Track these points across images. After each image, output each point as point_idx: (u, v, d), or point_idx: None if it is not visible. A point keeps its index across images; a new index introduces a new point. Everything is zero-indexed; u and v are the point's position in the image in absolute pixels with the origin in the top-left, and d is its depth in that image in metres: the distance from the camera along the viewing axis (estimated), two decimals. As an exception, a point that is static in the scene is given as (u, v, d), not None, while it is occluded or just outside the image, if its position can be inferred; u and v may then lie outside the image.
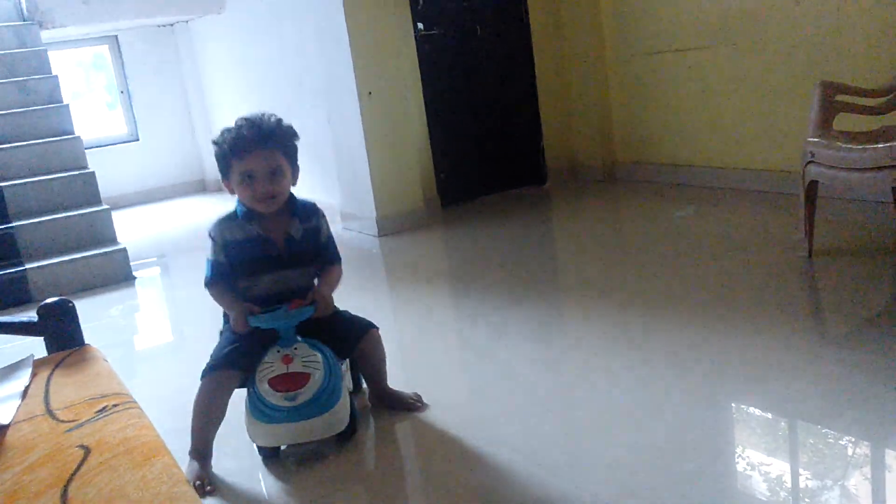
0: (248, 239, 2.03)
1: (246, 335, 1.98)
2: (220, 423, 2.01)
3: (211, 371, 1.98)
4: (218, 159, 2.03)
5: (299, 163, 2.09)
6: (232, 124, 2.01)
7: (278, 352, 1.95)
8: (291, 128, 2.05)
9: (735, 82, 4.31)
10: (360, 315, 2.18)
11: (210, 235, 2.06)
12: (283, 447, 2.02)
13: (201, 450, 1.99)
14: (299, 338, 1.99)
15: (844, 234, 3.39)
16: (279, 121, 2.02)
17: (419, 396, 2.23)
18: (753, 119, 4.26)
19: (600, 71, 5.11)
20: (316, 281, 2.14)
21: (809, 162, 2.95)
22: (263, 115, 2.01)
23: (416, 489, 1.90)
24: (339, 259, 2.18)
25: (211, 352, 2.04)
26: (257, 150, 1.95)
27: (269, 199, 1.98)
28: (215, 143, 2.02)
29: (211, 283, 2.05)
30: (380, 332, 2.16)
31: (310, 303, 2.00)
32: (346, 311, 2.16)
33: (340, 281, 2.16)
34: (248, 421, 1.96)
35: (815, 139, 2.92)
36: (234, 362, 1.97)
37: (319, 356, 1.97)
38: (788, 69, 4.00)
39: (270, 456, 2.00)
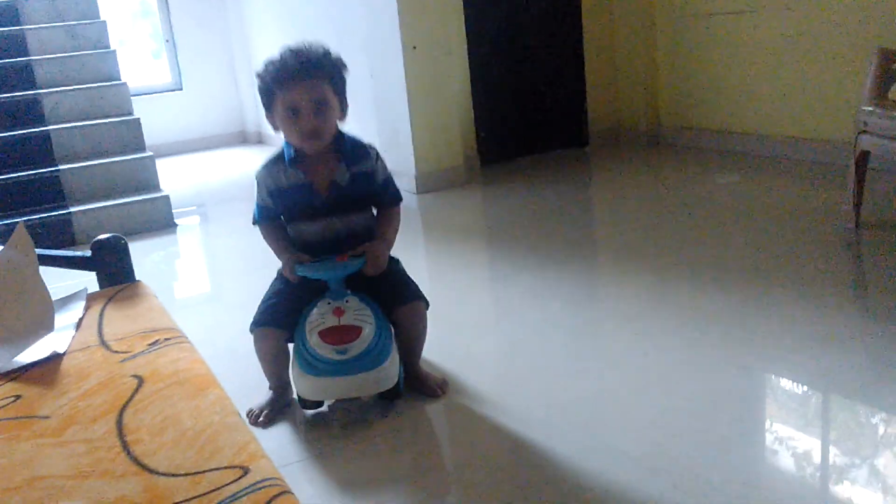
0: (292, 186, 1.94)
1: (293, 286, 1.93)
2: (287, 360, 1.99)
3: (256, 326, 1.96)
4: (261, 92, 1.91)
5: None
6: (276, 55, 1.88)
7: (329, 304, 1.88)
8: (340, 58, 1.91)
9: (788, 47, 4.21)
10: (414, 281, 2.06)
11: (256, 178, 1.99)
12: (326, 403, 1.98)
13: (275, 382, 2.03)
14: (349, 291, 1.93)
15: (894, 207, 3.32)
16: (326, 50, 1.89)
17: (445, 383, 2.08)
18: (805, 86, 4.17)
19: (649, 32, 5.02)
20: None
21: (862, 132, 2.89)
22: (310, 43, 1.88)
23: (450, 450, 1.92)
24: (399, 200, 2.05)
25: (262, 294, 2.02)
26: (302, 80, 1.82)
27: (315, 135, 1.86)
28: (258, 75, 1.90)
29: (259, 224, 2.01)
30: (427, 308, 2.03)
31: (360, 254, 1.91)
32: (400, 271, 2.06)
33: (398, 229, 2.05)
34: (296, 373, 1.90)
35: (870, 108, 2.85)
36: (276, 321, 1.94)
37: (370, 310, 1.90)
38: (844, 34, 3.89)
39: (312, 408, 1.96)
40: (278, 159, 1.97)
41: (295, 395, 1.98)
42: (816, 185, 3.79)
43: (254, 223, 2.03)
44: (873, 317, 2.38)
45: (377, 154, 2.00)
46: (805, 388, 1.98)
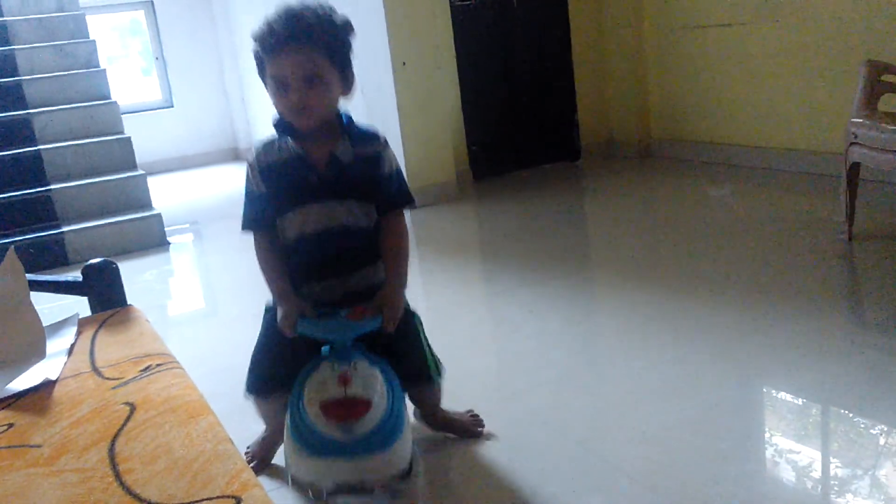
0: (286, 160, 1.65)
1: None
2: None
3: (256, 394, 1.78)
4: (254, 57, 1.63)
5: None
6: (272, 12, 1.59)
7: (333, 369, 1.53)
8: (345, 22, 1.61)
9: (778, 59, 4.23)
10: (427, 349, 1.84)
11: (248, 162, 1.71)
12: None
13: (273, 425, 1.85)
14: (355, 351, 1.59)
15: (886, 217, 3.34)
16: (326, 12, 1.58)
17: (476, 417, 1.96)
18: (795, 98, 4.19)
19: (638, 45, 5.04)
20: (377, 263, 1.76)
21: (852, 143, 2.90)
22: (309, 4, 1.58)
23: (442, 464, 1.91)
24: (408, 201, 1.74)
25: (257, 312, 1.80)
26: (290, 49, 1.54)
27: (305, 110, 1.58)
28: (252, 36, 1.61)
29: (250, 227, 1.71)
30: (441, 378, 1.84)
31: (376, 312, 1.62)
32: (414, 332, 1.80)
33: (408, 252, 1.78)
34: (291, 448, 1.55)
35: (859, 120, 2.87)
36: (278, 385, 1.68)
37: (381, 376, 1.57)
38: (833, 47, 3.92)
39: (307, 495, 1.61)
40: (273, 137, 1.70)
41: (288, 479, 1.64)
42: (808, 197, 3.80)
43: (243, 228, 1.73)
44: (868, 328, 2.39)
45: (387, 142, 1.71)
46: (802, 400, 1.98)
